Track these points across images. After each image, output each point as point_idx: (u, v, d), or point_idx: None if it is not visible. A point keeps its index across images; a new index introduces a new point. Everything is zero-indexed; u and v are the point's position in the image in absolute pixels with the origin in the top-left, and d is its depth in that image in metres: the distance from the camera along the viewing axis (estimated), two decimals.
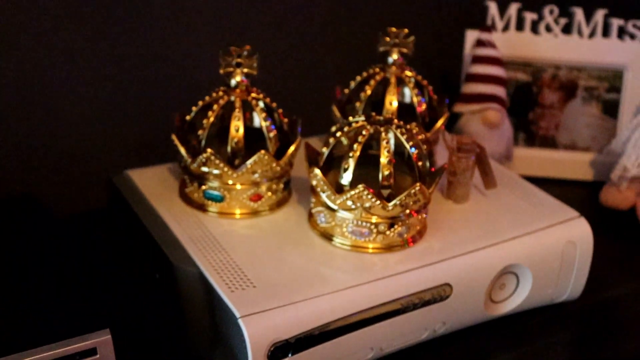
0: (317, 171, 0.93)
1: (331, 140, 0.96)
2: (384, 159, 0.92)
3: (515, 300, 1.02)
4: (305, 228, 0.99)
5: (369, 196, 0.91)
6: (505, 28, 1.37)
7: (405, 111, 1.08)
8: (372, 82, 1.07)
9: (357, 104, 1.06)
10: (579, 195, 1.37)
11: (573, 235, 1.03)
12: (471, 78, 1.31)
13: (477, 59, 1.30)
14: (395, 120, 0.95)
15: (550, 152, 1.41)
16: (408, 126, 0.96)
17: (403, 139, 0.94)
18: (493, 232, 1.00)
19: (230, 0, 1.27)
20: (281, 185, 1.02)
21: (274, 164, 0.98)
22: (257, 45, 1.04)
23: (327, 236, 0.96)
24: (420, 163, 0.95)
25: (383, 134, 0.93)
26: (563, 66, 1.38)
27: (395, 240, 0.95)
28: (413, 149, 0.94)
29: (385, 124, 0.94)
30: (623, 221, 1.30)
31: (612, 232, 1.29)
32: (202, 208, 1.01)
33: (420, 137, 0.97)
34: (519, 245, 0.99)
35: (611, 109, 1.40)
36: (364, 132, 0.94)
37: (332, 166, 0.99)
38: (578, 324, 1.08)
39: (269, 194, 1.01)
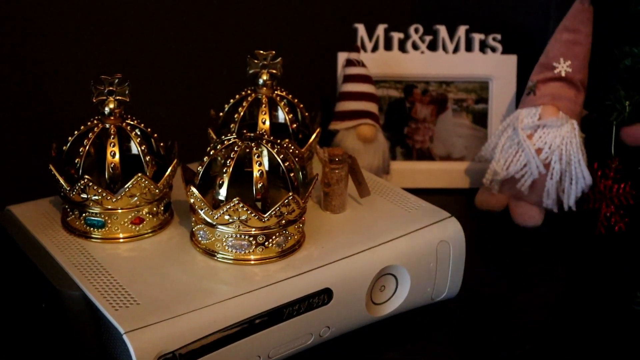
0: (193, 189, 0.96)
1: (205, 158, 0.99)
2: (256, 173, 0.96)
3: (396, 300, 1.07)
4: (188, 247, 1.02)
5: (244, 208, 0.94)
6: (375, 48, 1.44)
7: (281, 130, 1.13)
8: (245, 104, 1.11)
9: (232, 126, 1.10)
10: (458, 202, 1.43)
11: (446, 235, 1.08)
12: (343, 96, 1.36)
13: (348, 78, 1.36)
14: (266, 136, 1.00)
15: (427, 163, 1.47)
16: (279, 141, 1.01)
17: (274, 152, 0.98)
18: (369, 237, 1.04)
19: (103, 29, 1.30)
20: (162, 208, 1.04)
21: (152, 187, 1.01)
22: (133, 73, 1.07)
23: (210, 252, 0.99)
24: (292, 175, 0.99)
25: (254, 149, 0.97)
26: (432, 81, 1.45)
27: (274, 251, 0.99)
28: (285, 162, 0.98)
29: (255, 140, 0.98)
30: (497, 222, 1.36)
31: (489, 233, 1.36)
32: (85, 235, 1.02)
33: (292, 151, 1.01)
34: (395, 247, 1.04)
35: (481, 119, 1.47)
36: (235, 149, 0.97)
37: (210, 185, 1.02)
38: (459, 320, 1.13)
39: (150, 216, 1.03)
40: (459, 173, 1.46)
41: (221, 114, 1.14)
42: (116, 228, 1.02)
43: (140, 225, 1.03)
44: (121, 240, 1.03)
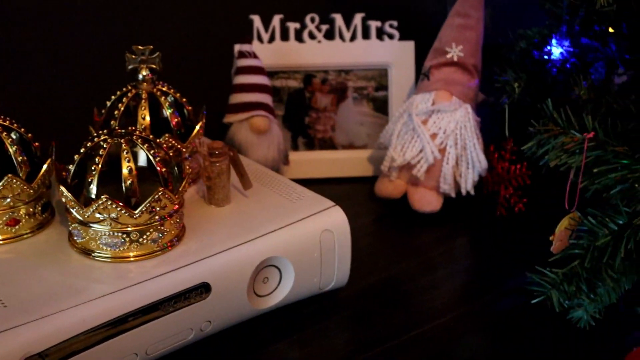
0: (62, 188, 0.95)
1: (76, 157, 0.98)
2: (124, 170, 0.95)
3: (281, 292, 1.07)
4: (65, 247, 1.01)
5: (114, 206, 0.93)
6: (271, 39, 1.43)
7: (164, 125, 1.12)
8: (125, 100, 1.10)
9: (112, 122, 1.09)
10: (362, 190, 1.43)
11: (329, 224, 1.08)
12: (237, 88, 1.36)
13: (241, 70, 1.36)
14: (137, 132, 0.99)
15: (330, 153, 1.47)
16: (151, 137, 1.00)
17: (144, 148, 0.97)
18: (250, 229, 1.04)
19: None
20: (39, 208, 1.03)
21: (26, 187, 1.00)
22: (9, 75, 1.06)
23: (86, 252, 0.98)
24: (164, 170, 0.98)
25: (124, 146, 0.96)
26: (331, 70, 1.45)
27: (151, 247, 0.98)
28: (156, 157, 0.98)
29: (125, 137, 0.97)
30: (398, 209, 1.37)
31: (389, 220, 1.36)
32: None
33: (170, 146, 1.01)
34: (276, 238, 1.04)
35: (382, 106, 1.47)
36: (105, 146, 0.97)
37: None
38: (349, 308, 1.13)
39: (27, 217, 1.02)
40: (362, 161, 1.46)
41: (103, 111, 1.13)
42: None
43: (17, 227, 1.02)
44: (0, 242, 1.02)
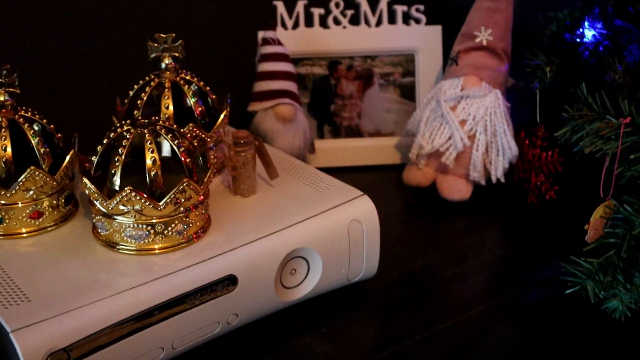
0: (85, 180, 0.94)
1: (99, 148, 0.97)
2: (148, 160, 0.93)
3: (309, 284, 1.04)
4: (89, 239, 0.99)
5: (138, 197, 0.91)
6: (295, 25, 1.40)
7: (187, 114, 1.10)
8: (147, 89, 1.08)
9: (135, 112, 1.07)
10: (389, 178, 1.41)
11: (357, 214, 1.06)
12: (261, 76, 1.33)
13: (265, 57, 1.33)
14: (160, 122, 0.97)
15: (356, 140, 1.44)
16: (175, 127, 0.98)
17: (168, 138, 0.95)
18: (277, 220, 1.02)
19: None
20: (62, 200, 1.02)
21: (49, 179, 0.98)
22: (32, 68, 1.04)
23: (111, 244, 0.97)
24: (188, 160, 0.96)
25: (147, 136, 0.94)
26: (356, 56, 1.42)
27: (176, 239, 0.96)
28: (180, 148, 0.96)
29: (148, 127, 0.95)
30: (427, 198, 1.34)
31: (418, 209, 1.33)
32: None
33: (195, 135, 0.99)
34: (303, 229, 1.02)
35: (408, 93, 1.44)
36: (128, 136, 0.95)
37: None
38: (376, 301, 1.11)
39: (50, 210, 1.00)
40: (389, 149, 1.43)
41: (126, 100, 1.11)
42: (16, 223, 0.99)
43: (40, 219, 1.00)
44: (25, 235, 1.00)
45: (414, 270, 1.18)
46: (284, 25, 1.40)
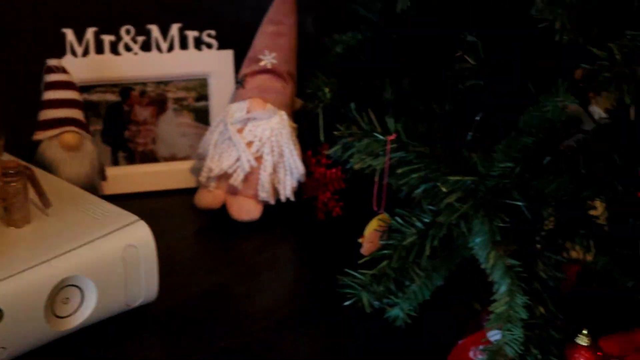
0: None
1: None
2: None
3: (84, 312, 1.04)
4: None
5: None
6: (86, 53, 1.40)
7: None
8: None
9: None
10: (185, 202, 1.41)
11: (132, 239, 1.06)
12: (46, 105, 1.32)
13: (49, 85, 1.32)
14: None
15: (151, 166, 1.45)
16: None
17: None
18: (48, 249, 1.01)
19: None
20: None
21: None
22: None
23: None
24: None
25: None
26: (149, 82, 1.43)
27: None
28: None
29: None
30: (220, 220, 1.36)
31: (212, 230, 1.35)
32: None
33: None
34: (74, 257, 1.01)
35: (203, 117, 1.46)
36: None
37: None
38: (164, 323, 1.12)
39: None
40: (184, 173, 1.44)
41: None
42: None
43: None
44: None
45: (205, 289, 1.19)
46: (73, 53, 1.39)
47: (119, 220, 1.08)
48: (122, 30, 1.41)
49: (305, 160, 1.34)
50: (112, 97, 1.43)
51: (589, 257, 1.06)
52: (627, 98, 0.94)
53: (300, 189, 1.36)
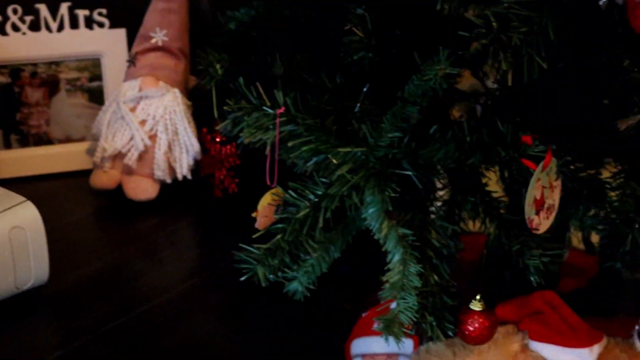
0: None
1: None
2: None
3: None
4: None
5: None
6: None
7: None
8: None
9: None
10: (81, 184, 1.40)
11: (19, 221, 1.04)
12: None
13: None
14: None
15: (46, 148, 1.43)
16: None
17: None
18: None
19: None
20: None
21: None
22: None
23: None
24: None
25: None
26: (40, 63, 1.41)
27: None
28: None
29: None
30: (118, 199, 1.35)
31: (109, 211, 1.34)
32: None
33: None
34: None
35: (97, 97, 1.44)
36: None
37: None
38: (58, 303, 1.10)
39: None
40: (80, 154, 1.42)
41: None
42: None
43: None
44: None
45: (102, 268, 1.18)
46: None
47: (4, 201, 1.06)
48: (9, 10, 1.38)
49: (200, 138, 1.33)
50: (1, 79, 1.40)
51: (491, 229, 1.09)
52: (504, 64, 0.96)
53: (197, 167, 1.36)
